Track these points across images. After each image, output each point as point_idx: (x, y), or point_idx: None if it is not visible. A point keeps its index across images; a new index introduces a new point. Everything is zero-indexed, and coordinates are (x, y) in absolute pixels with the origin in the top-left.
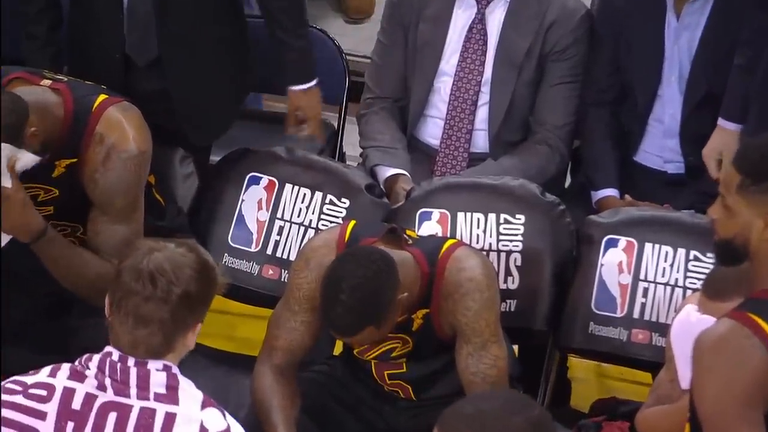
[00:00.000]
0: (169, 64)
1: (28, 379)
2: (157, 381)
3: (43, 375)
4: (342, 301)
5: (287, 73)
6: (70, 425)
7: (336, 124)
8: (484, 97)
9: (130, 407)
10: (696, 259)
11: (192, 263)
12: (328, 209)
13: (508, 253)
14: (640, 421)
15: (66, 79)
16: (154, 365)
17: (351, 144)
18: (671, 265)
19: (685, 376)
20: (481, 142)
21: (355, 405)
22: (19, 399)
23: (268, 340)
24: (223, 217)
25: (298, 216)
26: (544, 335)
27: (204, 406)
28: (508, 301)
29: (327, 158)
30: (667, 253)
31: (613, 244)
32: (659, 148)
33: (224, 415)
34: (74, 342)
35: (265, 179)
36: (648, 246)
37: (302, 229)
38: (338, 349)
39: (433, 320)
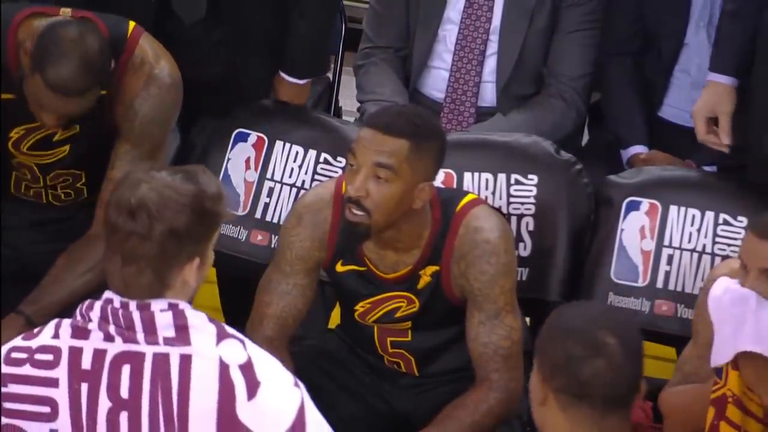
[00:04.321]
0: (218, 22)
1: (32, 343)
2: (164, 323)
3: (46, 336)
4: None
5: (289, 62)
6: (84, 387)
7: (331, 76)
8: (493, 47)
9: (142, 355)
10: (725, 223)
11: (181, 196)
12: (322, 169)
13: (520, 216)
14: (664, 400)
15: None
16: (157, 305)
17: (348, 98)
18: (698, 230)
19: (723, 351)
20: (489, 95)
21: (351, 383)
22: (27, 370)
23: (257, 308)
24: None
25: (290, 176)
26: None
27: (219, 339)
28: (519, 269)
29: (321, 113)
30: (693, 216)
31: (634, 206)
32: (686, 101)
33: (244, 345)
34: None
35: (253, 136)
36: (673, 209)
37: (294, 190)
38: (334, 322)
39: (442, 280)
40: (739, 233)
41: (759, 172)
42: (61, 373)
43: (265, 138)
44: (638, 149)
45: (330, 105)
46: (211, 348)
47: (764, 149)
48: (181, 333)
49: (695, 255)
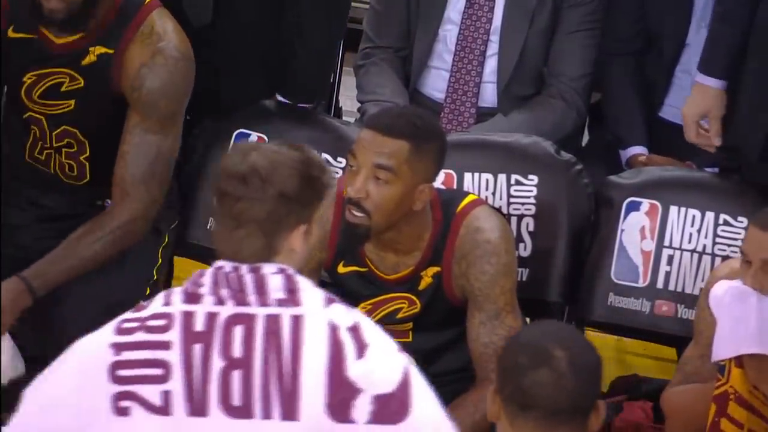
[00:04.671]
0: (222, 31)
1: (142, 314)
2: (275, 285)
3: (157, 305)
4: None
5: (287, 86)
6: (197, 348)
7: (331, 76)
8: (493, 47)
9: (254, 316)
10: (726, 223)
11: (290, 161)
12: None
13: (520, 217)
14: (666, 400)
15: None
16: (268, 269)
17: (348, 98)
18: (698, 230)
19: (723, 347)
20: (489, 95)
21: None
22: (139, 336)
23: None
24: (208, 178)
25: None
26: (559, 307)
27: (328, 302)
28: (519, 269)
29: (322, 113)
30: (694, 216)
31: (634, 207)
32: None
33: (350, 310)
34: (65, 329)
35: (253, 136)
36: (673, 209)
37: None
38: None
39: (443, 281)
40: (740, 234)
41: (751, 172)
42: (173, 336)
43: (266, 138)
44: (637, 150)
45: (330, 105)
46: (320, 309)
47: (751, 149)
48: (292, 295)
49: (695, 255)
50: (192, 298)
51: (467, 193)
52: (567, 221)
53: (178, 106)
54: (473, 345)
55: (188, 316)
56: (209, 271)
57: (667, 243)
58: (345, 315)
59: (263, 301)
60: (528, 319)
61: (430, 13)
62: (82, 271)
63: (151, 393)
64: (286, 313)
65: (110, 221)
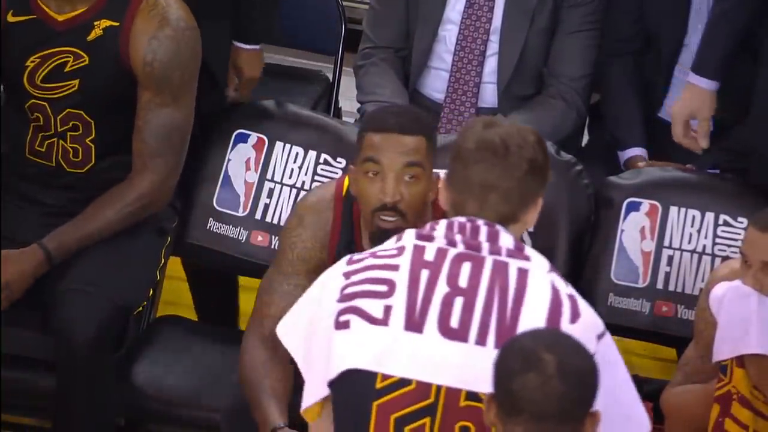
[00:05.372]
0: None
1: (373, 249)
2: (507, 240)
3: (389, 243)
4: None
5: (242, 30)
6: (425, 273)
7: (331, 77)
8: (493, 47)
9: (482, 258)
10: (726, 223)
11: (532, 134)
12: (322, 170)
13: None
14: (666, 400)
15: None
16: (501, 228)
17: (348, 98)
18: (698, 231)
19: (724, 347)
20: (489, 96)
21: None
22: (368, 261)
23: (258, 309)
24: (208, 178)
25: (290, 177)
26: None
27: (551, 270)
28: None
29: (321, 114)
30: (694, 217)
31: (634, 207)
32: None
33: (567, 283)
34: (70, 331)
35: (253, 137)
36: (673, 209)
37: (294, 191)
38: None
39: None
40: (740, 234)
41: (764, 173)
42: (403, 260)
43: (266, 139)
44: (636, 151)
45: (330, 106)
46: (545, 271)
47: None
48: (521, 251)
49: (695, 256)
50: (425, 237)
51: None
52: (567, 222)
53: (189, 76)
54: None
55: (419, 248)
56: (443, 221)
57: (667, 243)
58: (565, 284)
59: (494, 249)
60: None
61: (430, 13)
62: (98, 239)
63: (373, 306)
64: (514, 264)
65: (130, 192)
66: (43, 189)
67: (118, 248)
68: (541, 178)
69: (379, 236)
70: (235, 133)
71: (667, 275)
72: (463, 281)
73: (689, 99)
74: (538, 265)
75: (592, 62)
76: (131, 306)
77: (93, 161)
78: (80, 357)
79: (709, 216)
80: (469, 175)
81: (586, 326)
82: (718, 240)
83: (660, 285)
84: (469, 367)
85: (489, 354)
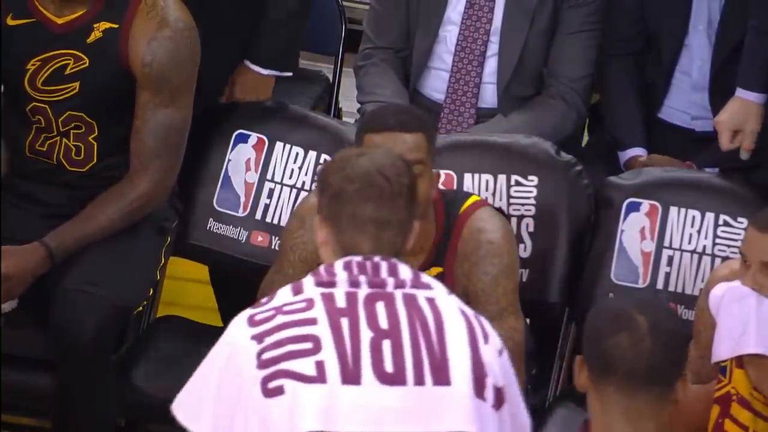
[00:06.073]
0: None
1: (270, 305)
2: (405, 271)
3: (286, 296)
4: None
5: (257, 51)
6: (344, 321)
7: (331, 77)
8: (493, 48)
9: (391, 294)
10: (726, 224)
11: (396, 156)
12: None
13: (520, 217)
14: None
15: None
16: (396, 260)
17: (348, 99)
18: (698, 231)
19: (723, 347)
20: (489, 96)
21: None
22: (279, 319)
23: None
24: (208, 178)
25: (290, 177)
26: (559, 308)
27: (449, 291)
28: (519, 270)
29: (321, 114)
30: (694, 217)
31: (634, 207)
32: (686, 103)
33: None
34: (72, 331)
35: (253, 137)
36: (673, 210)
37: (294, 191)
38: None
39: (446, 281)
40: (740, 234)
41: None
42: (318, 312)
43: (266, 139)
44: (636, 152)
45: (330, 106)
46: (447, 295)
47: None
48: (421, 281)
49: (695, 256)
50: (326, 284)
51: (470, 195)
52: (567, 222)
53: (188, 77)
54: None
55: (328, 296)
56: (338, 263)
57: (666, 244)
58: (463, 305)
59: (398, 283)
60: (528, 320)
61: (431, 13)
62: (99, 238)
63: (304, 365)
64: (420, 295)
65: (130, 192)
66: (43, 187)
67: (118, 248)
68: (415, 200)
69: None
70: (235, 134)
71: (667, 275)
72: (383, 322)
73: (737, 110)
74: (440, 291)
75: (593, 63)
76: (131, 306)
77: (95, 160)
78: (80, 357)
79: (709, 216)
80: (358, 215)
81: (494, 343)
82: (718, 240)
83: (660, 285)
84: (414, 410)
85: (430, 392)
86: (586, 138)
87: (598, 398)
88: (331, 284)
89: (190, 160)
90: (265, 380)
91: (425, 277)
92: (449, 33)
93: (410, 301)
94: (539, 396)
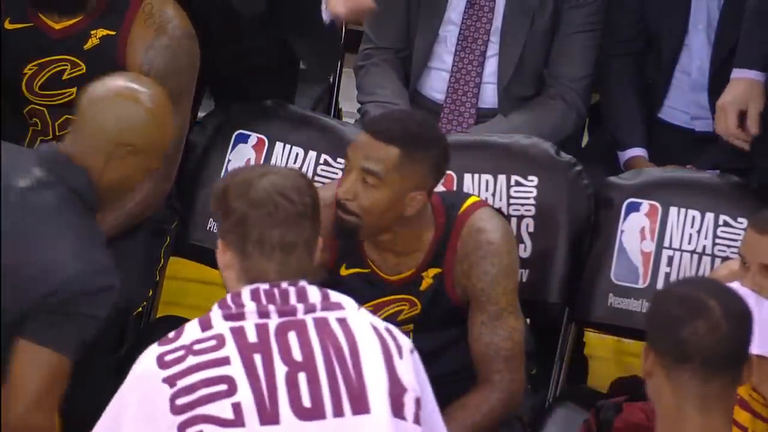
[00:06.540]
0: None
1: (180, 342)
2: (314, 293)
3: (193, 332)
4: None
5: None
6: (257, 357)
7: (331, 77)
8: (494, 48)
9: (303, 322)
10: (726, 224)
11: (298, 174)
12: (322, 170)
13: (520, 218)
14: None
15: None
16: (304, 282)
17: (348, 99)
18: (698, 231)
19: None
20: (489, 96)
21: None
22: (191, 361)
23: None
24: (208, 180)
25: None
26: (559, 308)
27: (358, 306)
28: (519, 270)
29: (322, 114)
30: (694, 217)
31: (634, 208)
32: (686, 103)
33: (370, 314)
34: None
35: (253, 137)
36: (673, 210)
37: None
38: None
39: (445, 282)
40: (740, 235)
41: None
42: (230, 351)
43: (266, 139)
44: (636, 152)
45: (330, 106)
46: (357, 312)
47: None
48: (330, 302)
49: (695, 256)
50: (235, 317)
51: (469, 195)
52: (567, 222)
53: (185, 84)
54: (474, 345)
55: (238, 331)
56: (245, 291)
57: (666, 244)
58: (375, 317)
59: (308, 308)
60: (528, 320)
61: (431, 13)
62: None
63: (220, 409)
64: (331, 316)
65: (127, 199)
66: None
67: (117, 249)
68: (318, 216)
69: (338, 226)
70: (235, 134)
71: (668, 276)
72: (296, 354)
73: (738, 90)
74: (350, 307)
75: (593, 63)
76: (131, 306)
77: None
78: (80, 357)
79: (709, 216)
80: (265, 241)
81: (406, 349)
82: (718, 240)
83: (660, 285)
84: None
85: (350, 422)
86: (586, 138)
87: (669, 384)
88: (240, 316)
89: (190, 160)
90: (182, 426)
91: (335, 296)
92: (449, 33)
93: (322, 327)
94: (539, 396)
